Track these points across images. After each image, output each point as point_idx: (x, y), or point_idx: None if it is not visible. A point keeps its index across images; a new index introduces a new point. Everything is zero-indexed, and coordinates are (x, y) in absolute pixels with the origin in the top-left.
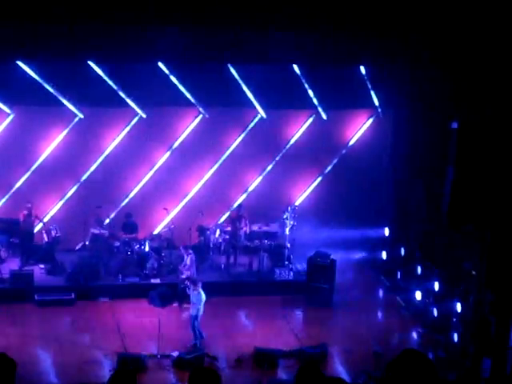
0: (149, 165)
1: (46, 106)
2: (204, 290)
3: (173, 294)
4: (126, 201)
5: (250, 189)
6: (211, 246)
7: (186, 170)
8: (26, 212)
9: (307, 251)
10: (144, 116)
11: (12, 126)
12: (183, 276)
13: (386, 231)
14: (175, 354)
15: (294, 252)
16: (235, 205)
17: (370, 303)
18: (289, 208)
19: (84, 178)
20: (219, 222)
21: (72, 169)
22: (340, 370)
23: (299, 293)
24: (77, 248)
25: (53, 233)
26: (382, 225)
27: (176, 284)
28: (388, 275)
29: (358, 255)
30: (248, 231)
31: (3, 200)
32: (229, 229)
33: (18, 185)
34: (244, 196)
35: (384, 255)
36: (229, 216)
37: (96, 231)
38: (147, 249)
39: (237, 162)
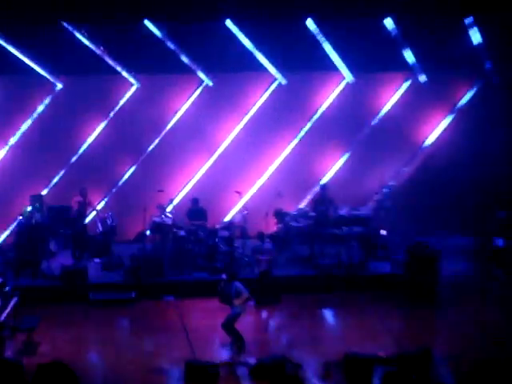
0: (217, 140)
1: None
2: (285, 285)
3: (248, 290)
4: (192, 183)
5: (337, 167)
6: (292, 234)
7: (261, 146)
8: (79, 198)
9: (405, 239)
10: (210, 84)
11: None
12: (261, 267)
13: (503, 214)
14: (252, 361)
15: (390, 240)
16: (319, 186)
17: (480, 299)
18: (383, 188)
19: (142, 157)
20: (301, 206)
21: (126, 146)
22: (446, 378)
23: (397, 288)
24: (136, 239)
25: (108, 222)
26: (494, 206)
27: (252, 279)
28: (504, 266)
29: (466, 242)
30: (335, 216)
31: (48, 187)
32: (312, 214)
33: (61, 172)
34: (329, 175)
35: (500, 242)
36: (312, 199)
37: (158, 219)
38: (217, 238)
39: (321, 135)
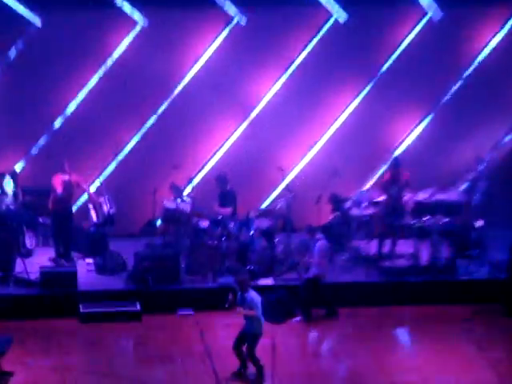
0: (252, 99)
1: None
2: (343, 295)
3: (294, 302)
4: (218, 157)
5: (415, 135)
6: (353, 226)
7: (311, 107)
8: (64, 178)
9: (507, 233)
10: (243, 22)
11: None
12: (309, 274)
13: None
14: None
15: (488, 235)
16: (390, 161)
17: None
18: (478, 163)
19: (151, 121)
20: (365, 189)
21: (129, 106)
22: None
23: (498, 299)
24: (142, 232)
25: (105, 208)
26: None
27: (298, 287)
28: None
29: None
30: (412, 203)
31: (20, 164)
32: (381, 199)
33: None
34: (405, 146)
35: None
36: (380, 179)
37: (171, 205)
38: (252, 231)
39: (394, 91)
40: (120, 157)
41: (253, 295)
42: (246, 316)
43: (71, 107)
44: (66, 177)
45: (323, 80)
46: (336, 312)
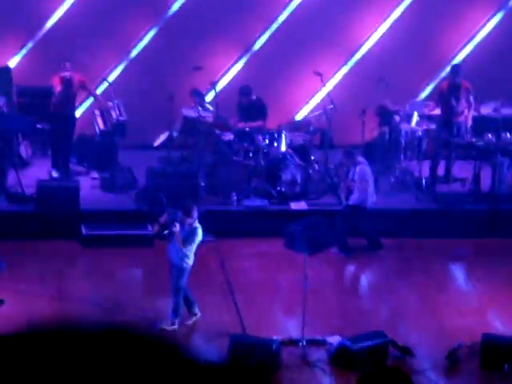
0: None
1: None
2: (388, 225)
3: (330, 230)
4: (245, 59)
5: (478, 38)
6: (402, 143)
7: (355, 3)
8: (63, 76)
9: None
10: None
11: None
12: (349, 200)
13: None
14: (334, 339)
15: None
16: (449, 67)
17: None
18: None
19: (168, 13)
20: (417, 100)
21: None
22: None
23: None
24: (156, 144)
25: (114, 115)
26: None
27: (336, 213)
28: None
29: None
30: (473, 117)
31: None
32: (436, 111)
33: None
34: (467, 50)
35: None
36: (436, 89)
37: (191, 113)
38: (284, 147)
39: None
40: (132, 54)
41: (194, 224)
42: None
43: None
44: (68, 74)
45: None
46: (379, 244)
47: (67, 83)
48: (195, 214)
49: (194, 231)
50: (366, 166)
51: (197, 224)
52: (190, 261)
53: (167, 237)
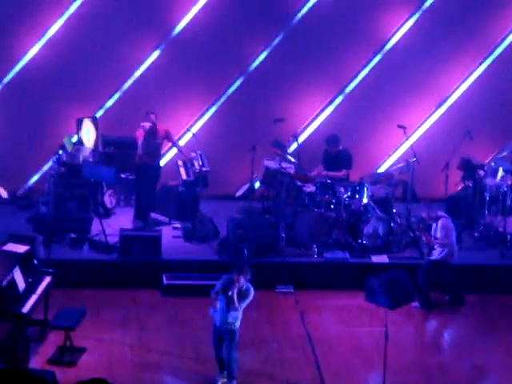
0: (374, 42)
1: None
2: (472, 280)
3: (411, 284)
4: (328, 111)
5: None
6: (486, 198)
7: (441, 56)
8: (146, 126)
9: None
10: None
11: None
12: (432, 255)
13: None
14: None
15: None
16: None
17: None
18: None
19: (253, 65)
20: (502, 155)
21: (233, 48)
22: None
23: None
24: (238, 194)
25: (196, 165)
26: None
27: (418, 267)
28: None
29: None
30: None
31: (112, 100)
32: None
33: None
34: None
35: None
36: None
37: (273, 165)
38: (365, 200)
39: None
40: (215, 107)
41: (249, 285)
42: (230, 306)
43: (155, 54)
44: (149, 125)
45: (458, 25)
46: (462, 299)
47: (151, 134)
48: (248, 272)
49: (247, 290)
50: (449, 220)
51: (249, 284)
52: (239, 322)
53: (228, 301)
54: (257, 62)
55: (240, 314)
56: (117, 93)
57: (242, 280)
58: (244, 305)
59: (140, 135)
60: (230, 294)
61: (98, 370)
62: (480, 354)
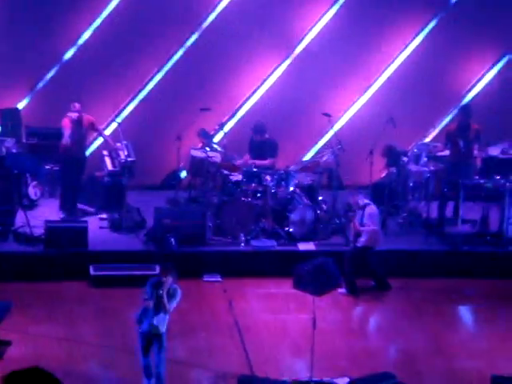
0: (297, 31)
1: None
2: (397, 265)
3: (337, 271)
4: (255, 99)
5: (487, 78)
6: (410, 184)
7: (364, 43)
8: (73, 116)
9: None
10: None
11: None
12: (358, 242)
13: None
14: (342, 381)
15: None
16: (457, 108)
17: None
18: None
19: (177, 54)
20: (426, 141)
21: (151, 33)
22: None
23: None
24: (164, 184)
25: (122, 155)
26: None
27: (344, 253)
28: None
29: None
30: (482, 159)
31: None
32: (445, 153)
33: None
34: (477, 89)
35: None
36: (445, 129)
37: (199, 154)
38: (292, 188)
39: (467, 23)
40: (140, 96)
41: (176, 286)
42: (159, 308)
43: (84, 36)
44: (77, 115)
45: (379, 13)
46: (387, 284)
47: (77, 124)
48: (175, 271)
49: (175, 290)
50: (374, 207)
51: (175, 285)
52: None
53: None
54: (182, 50)
55: (168, 316)
56: (40, 82)
57: (170, 280)
58: (173, 305)
59: (66, 125)
60: (160, 293)
61: (25, 363)
62: (405, 339)
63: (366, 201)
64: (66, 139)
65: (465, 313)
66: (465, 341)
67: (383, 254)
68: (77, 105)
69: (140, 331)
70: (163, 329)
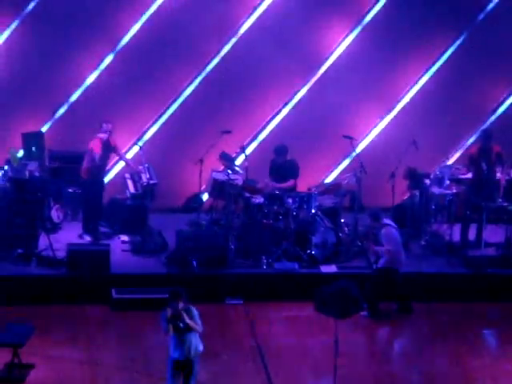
0: (317, 56)
1: None
2: (419, 289)
3: (359, 294)
4: (277, 122)
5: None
6: (432, 207)
7: (386, 66)
8: (103, 138)
9: None
10: None
11: None
12: (378, 264)
13: None
14: None
15: None
16: (479, 132)
17: None
18: None
19: (198, 79)
20: (448, 164)
21: (176, 55)
22: None
23: None
24: (186, 206)
25: (144, 178)
26: None
27: (365, 276)
28: None
29: None
30: (505, 181)
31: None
32: (468, 176)
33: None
34: (497, 114)
35: None
36: (467, 151)
37: (221, 177)
38: (313, 210)
39: (490, 45)
40: (162, 119)
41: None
42: (186, 334)
43: (106, 61)
44: (106, 137)
45: (401, 35)
46: (410, 308)
47: (106, 146)
48: (185, 296)
49: (190, 310)
50: (393, 228)
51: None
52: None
53: (183, 328)
54: (204, 73)
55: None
56: (63, 106)
57: (182, 304)
58: (199, 322)
59: (97, 146)
60: (187, 322)
61: None
62: (428, 363)
63: (387, 221)
64: (94, 161)
65: (488, 337)
66: (488, 364)
67: (405, 277)
68: (109, 125)
69: (171, 358)
70: (197, 349)
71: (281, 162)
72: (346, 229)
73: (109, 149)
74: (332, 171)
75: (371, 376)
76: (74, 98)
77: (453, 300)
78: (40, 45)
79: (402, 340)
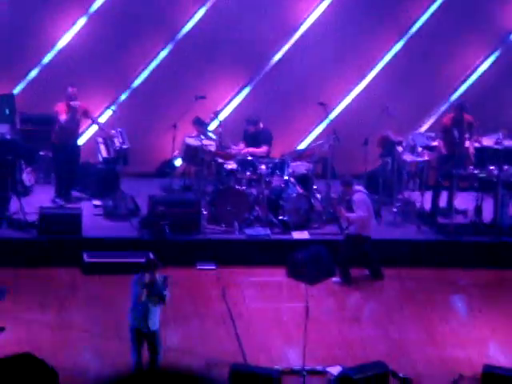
0: (295, 19)
1: None
2: (390, 255)
3: (331, 260)
4: (249, 88)
5: (481, 70)
6: (404, 174)
7: (360, 33)
8: (69, 104)
9: None
10: None
11: None
12: (351, 230)
13: None
14: (335, 369)
15: None
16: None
17: None
18: None
19: (172, 44)
20: (420, 131)
21: (148, 19)
22: None
23: None
24: (159, 171)
25: (116, 142)
26: None
27: (337, 243)
28: None
29: None
30: (475, 149)
31: (32, 74)
32: (439, 143)
33: (59, 46)
34: (470, 81)
35: None
36: (440, 121)
37: (194, 142)
38: (286, 176)
39: (460, 15)
40: (135, 84)
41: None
42: (150, 306)
43: (79, 24)
44: (72, 103)
45: (375, 3)
46: (381, 273)
47: (73, 113)
48: (160, 265)
49: (164, 280)
50: (364, 194)
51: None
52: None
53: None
54: (179, 37)
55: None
56: (35, 69)
57: (158, 274)
58: (168, 294)
59: (62, 111)
60: (165, 293)
61: (17, 348)
62: (398, 328)
63: (358, 187)
64: (60, 125)
65: (457, 302)
66: (457, 330)
67: (377, 243)
68: (73, 89)
69: (130, 327)
70: (155, 326)
71: (254, 131)
72: (318, 195)
73: (76, 114)
74: (305, 138)
75: (341, 341)
76: (46, 60)
77: (423, 266)
78: (12, 5)
79: (373, 305)
